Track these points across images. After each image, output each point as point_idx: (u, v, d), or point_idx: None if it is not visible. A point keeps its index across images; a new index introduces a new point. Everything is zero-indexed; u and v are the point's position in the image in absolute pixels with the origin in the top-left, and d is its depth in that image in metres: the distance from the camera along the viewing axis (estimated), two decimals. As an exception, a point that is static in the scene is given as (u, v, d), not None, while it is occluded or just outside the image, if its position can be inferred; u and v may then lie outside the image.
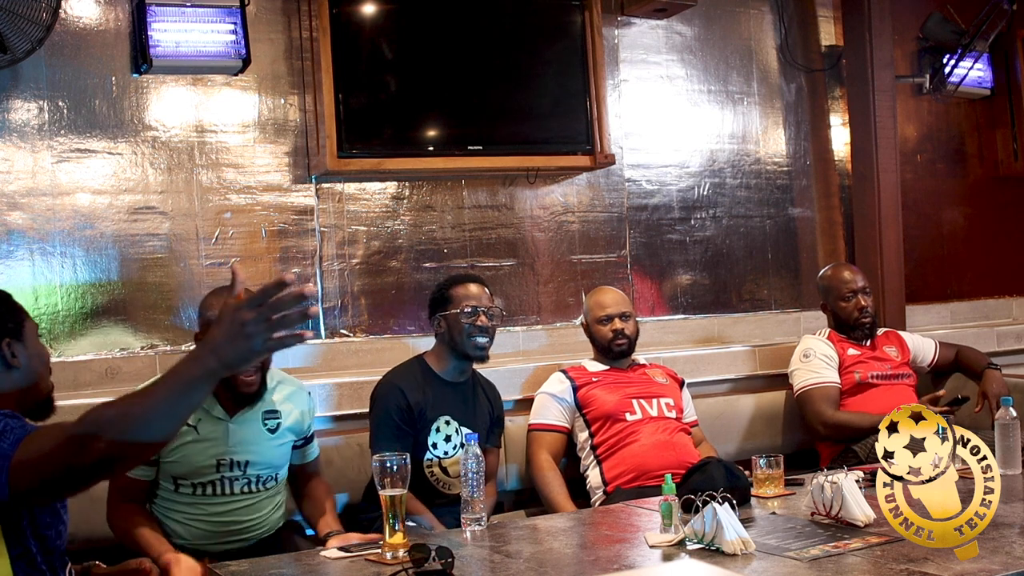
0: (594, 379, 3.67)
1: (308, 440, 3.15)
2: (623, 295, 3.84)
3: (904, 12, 5.13)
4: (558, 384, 3.67)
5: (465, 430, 3.30)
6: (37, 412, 2.12)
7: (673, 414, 3.65)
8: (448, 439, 3.30)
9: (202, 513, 2.91)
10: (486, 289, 3.41)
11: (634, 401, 3.62)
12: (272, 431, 2.99)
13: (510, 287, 4.36)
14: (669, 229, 4.72)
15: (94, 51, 3.68)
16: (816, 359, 4.04)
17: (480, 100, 4.16)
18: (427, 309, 3.46)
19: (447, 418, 3.30)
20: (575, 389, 3.64)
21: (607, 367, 3.73)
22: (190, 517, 2.91)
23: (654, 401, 3.64)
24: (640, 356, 3.87)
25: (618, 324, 3.70)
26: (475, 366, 3.41)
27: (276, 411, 3.00)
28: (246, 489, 2.94)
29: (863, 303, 4.11)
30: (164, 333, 3.73)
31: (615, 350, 3.70)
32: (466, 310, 3.30)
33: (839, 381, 4.00)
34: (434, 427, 3.27)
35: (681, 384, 3.83)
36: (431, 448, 3.26)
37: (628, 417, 3.58)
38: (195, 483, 2.89)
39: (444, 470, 3.29)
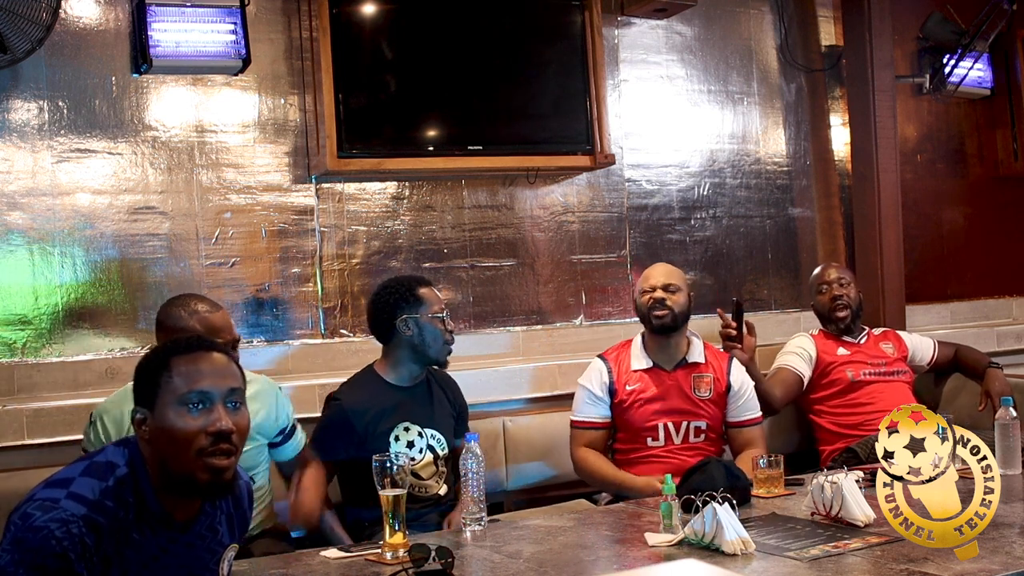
0: (628, 386, 3.48)
1: (287, 436, 3.11)
2: (671, 268, 3.67)
3: (904, 12, 5.12)
4: (597, 378, 3.51)
5: (429, 431, 3.24)
6: None
7: (702, 438, 3.46)
8: (411, 444, 3.20)
9: None
10: None
11: (660, 425, 3.45)
12: None
13: (510, 287, 4.36)
14: (669, 229, 4.71)
15: (94, 51, 3.68)
16: (789, 353, 4.09)
17: (480, 100, 4.16)
18: (382, 309, 3.22)
19: (405, 424, 3.20)
20: (611, 389, 3.49)
21: (650, 365, 3.51)
22: None
23: (683, 424, 3.46)
24: (696, 353, 3.55)
25: (659, 294, 3.49)
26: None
27: None
28: None
29: (836, 292, 4.13)
30: (164, 333, 3.73)
31: (654, 322, 3.48)
32: (439, 315, 3.20)
33: (805, 372, 4.03)
34: (392, 437, 3.17)
35: (727, 389, 3.51)
36: (395, 459, 3.18)
37: (650, 443, 3.46)
38: None
39: (416, 475, 3.20)
